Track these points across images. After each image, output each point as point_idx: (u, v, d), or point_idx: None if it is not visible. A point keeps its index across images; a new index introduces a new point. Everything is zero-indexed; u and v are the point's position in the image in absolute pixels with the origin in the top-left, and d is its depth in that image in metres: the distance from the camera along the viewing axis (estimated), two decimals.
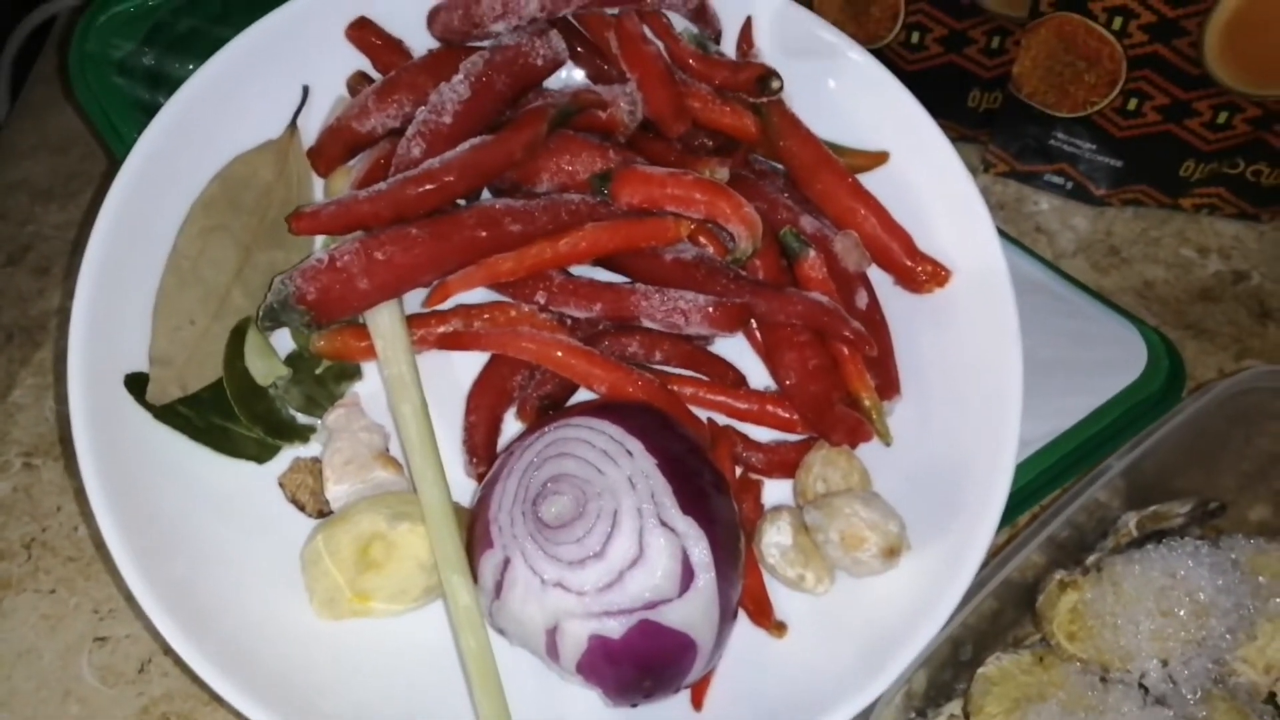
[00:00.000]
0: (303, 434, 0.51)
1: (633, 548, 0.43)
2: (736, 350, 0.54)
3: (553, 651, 0.44)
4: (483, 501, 0.47)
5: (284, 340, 0.53)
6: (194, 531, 0.47)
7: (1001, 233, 0.53)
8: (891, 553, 0.47)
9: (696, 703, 0.47)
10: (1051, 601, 0.52)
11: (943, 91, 0.70)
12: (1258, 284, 0.70)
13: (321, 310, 0.48)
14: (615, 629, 0.43)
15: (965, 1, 0.67)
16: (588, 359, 0.50)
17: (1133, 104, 0.66)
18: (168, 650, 0.58)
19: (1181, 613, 0.49)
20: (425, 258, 0.48)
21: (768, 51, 0.56)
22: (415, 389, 0.48)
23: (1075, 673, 0.50)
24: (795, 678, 0.48)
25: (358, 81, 0.55)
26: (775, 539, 0.49)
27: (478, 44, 0.54)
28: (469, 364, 0.53)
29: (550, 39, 0.53)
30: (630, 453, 0.45)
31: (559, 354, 0.50)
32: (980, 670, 0.51)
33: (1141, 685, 0.49)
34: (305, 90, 0.54)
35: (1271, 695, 0.51)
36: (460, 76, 0.51)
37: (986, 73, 0.71)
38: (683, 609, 0.43)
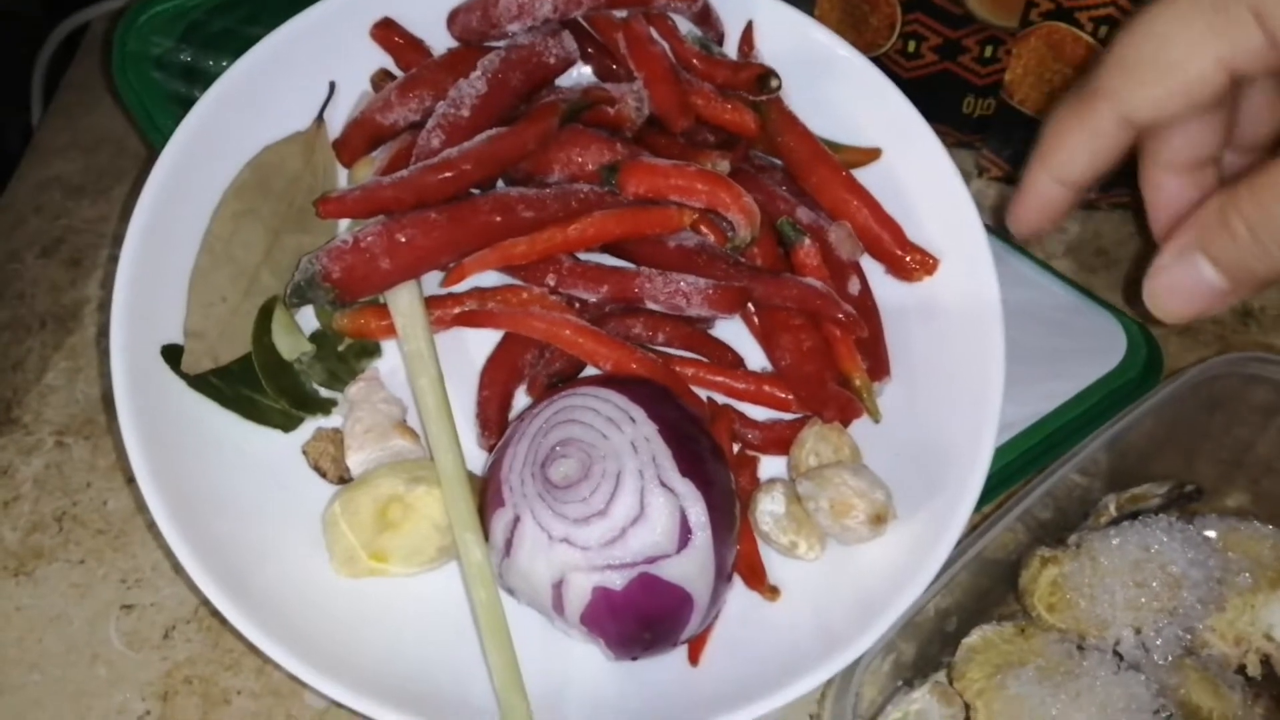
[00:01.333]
0: (325, 406, 0.54)
1: (634, 506, 0.46)
2: (734, 334, 0.57)
3: (558, 605, 0.47)
4: (495, 465, 0.50)
5: (308, 319, 0.56)
6: (226, 494, 0.50)
7: (992, 231, 0.56)
8: (878, 520, 0.49)
9: (693, 658, 0.50)
10: (1033, 576, 0.55)
11: (938, 98, 0.73)
12: None
13: (345, 288, 0.51)
14: (617, 581, 0.46)
15: (959, 11, 0.70)
16: (594, 338, 0.53)
17: None
18: (190, 618, 0.62)
19: (1154, 584, 0.51)
20: (444, 240, 0.51)
21: (767, 54, 0.59)
22: (433, 363, 0.51)
23: (1054, 641, 0.52)
24: (786, 637, 0.50)
25: (381, 78, 0.58)
26: (769, 507, 0.52)
27: (494, 44, 0.57)
28: (482, 344, 0.55)
29: (562, 39, 0.56)
30: (633, 419, 0.48)
31: (567, 332, 0.53)
32: (964, 640, 0.54)
33: (1116, 652, 0.51)
34: (332, 86, 0.57)
35: (1241, 666, 0.53)
36: (478, 73, 0.54)
37: (980, 80, 0.74)
38: (680, 564, 0.46)
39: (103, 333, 0.73)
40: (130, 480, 0.66)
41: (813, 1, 0.74)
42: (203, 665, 0.60)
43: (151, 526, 0.65)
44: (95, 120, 0.84)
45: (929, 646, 0.56)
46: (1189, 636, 0.51)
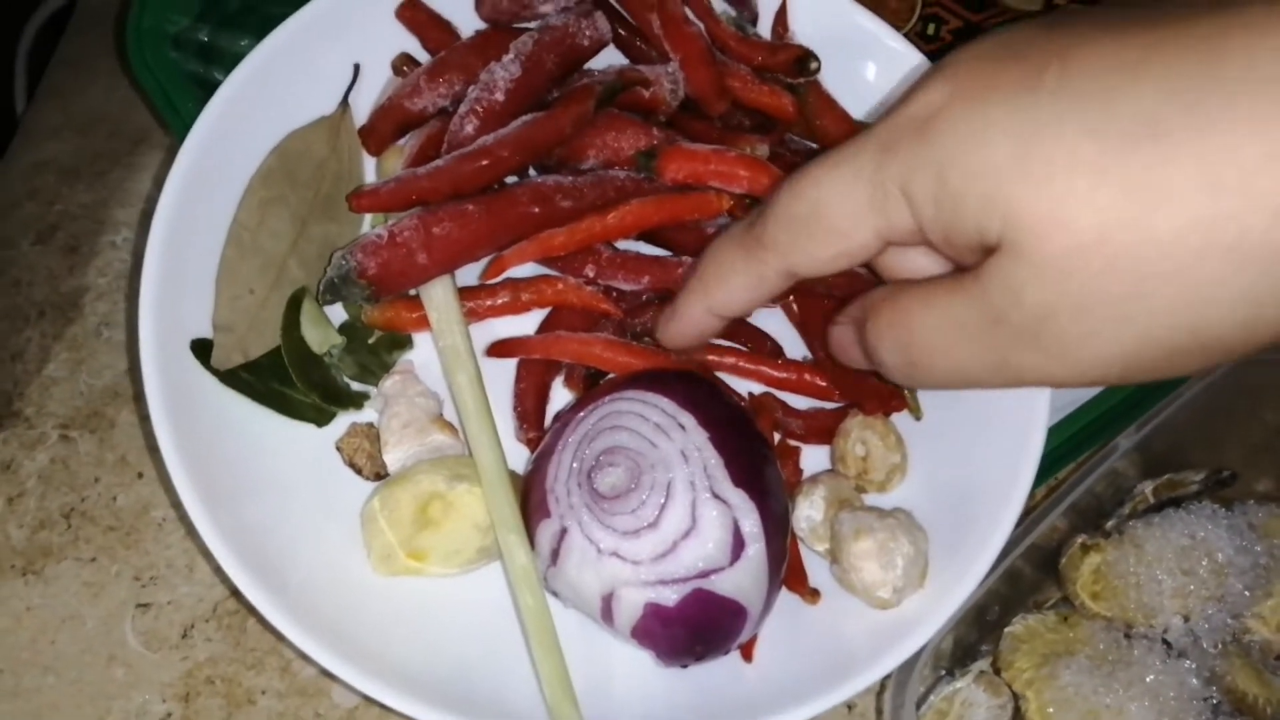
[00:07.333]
0: (357, 400, 0.53)
1: (686, 519, 0.44)
2: (771, 322, 0.56)
3: (608, 616, 0.46)
4: (538, 472, 0.48)
5: (337, 311, 0.54)
6: (260, 489, 0.48)
7: None
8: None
9: (746, 655, 0.49)
10: (1074, 564, 0.55)
11: None
12: None
13: (382, 284, 0.49)
14: (670, 597, 0.44)
15: None
16: (627, 351, 0.51)
17: None
18: (209, 617, 0.60)
19: (1202, 571, 0.51)
20: (481, 233, 0.49)
21: (800, 34, 0.58)
22: (469, 358, 0.50)
23: (1100, 630, 0.52)
24: (838, 632, 0.49)
25: (403, 62, 0.56)
26: (807, 512, 0.51)
27: (524, 25, 0.55)
28: (516, 333, 0.54)
29: (595, 20, 0.54)
30: (683, 426, 0.46)
31: (597, 350, 0.52)
32: (1008, 629, 0.54)
33: (1164, 641, 0.51)
34: (356, 68, 0.55)
35: None
36: (511, 56, 0.52)
37: None
38: (734, 577, 0.45)
39: (105, 323, 0.70)
40: (140, 475, 0.65)
41: None
42: (225, 665, 0.58)
43: (164, 523, 0.63)
44: (89, 100, 0.81)
45: (966, 635, 0.55)
46: (1236, 623, 0.51)
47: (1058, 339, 0.32)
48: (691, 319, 0.46)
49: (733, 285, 0.43)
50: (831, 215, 0.38)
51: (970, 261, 0.34)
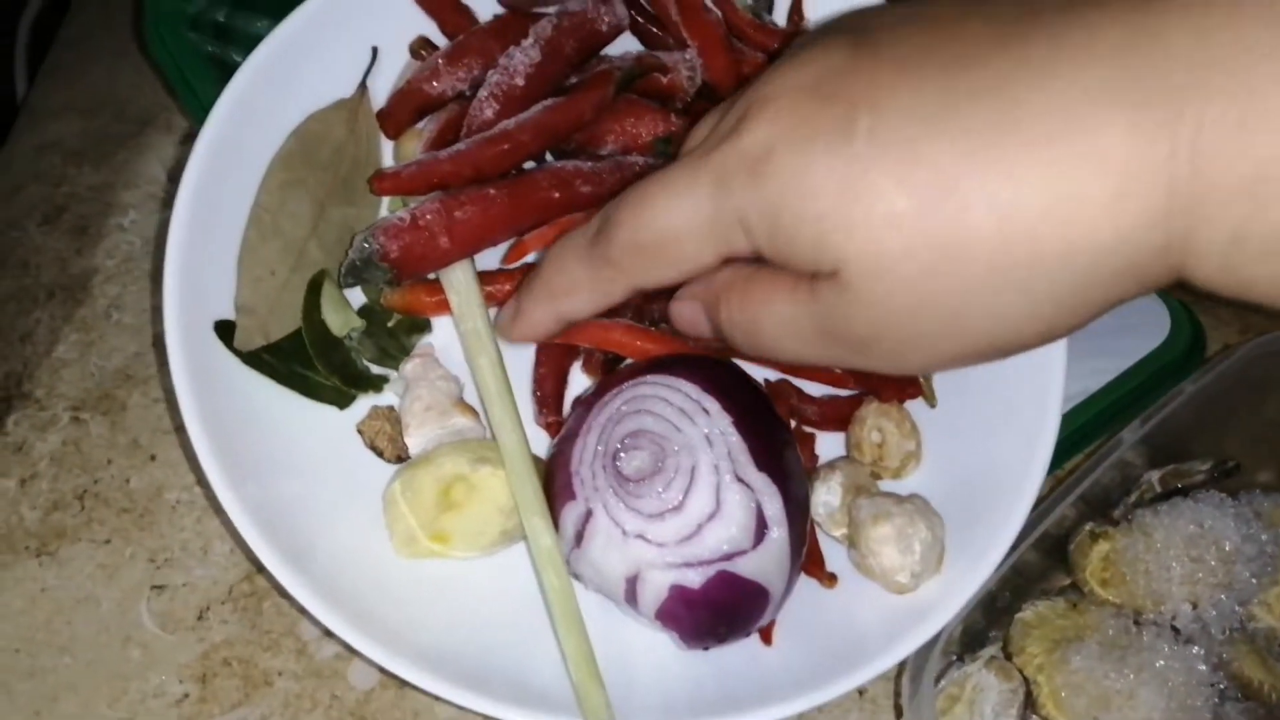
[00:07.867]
0: (377, 384, 0.53)
1: (710, 502, 0.45)
2: None
3: (632, 598, 0.46)
4: (562, 456, 0.48)
5: (355, 294, 0.54)
6: (284, 470, 0.49)
7: None
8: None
9: (766, 639, 0.49)
10: (1083, 551, 0.55)
11: None
12: None
13: (403, 267, 0.49)
14: (694, 579, 0.45)
15: None
16: (646, 336, 0.52)
17: None
18: (225, 599, 0.60)
19: (1210, 559, 0.52)
20: (503, 217, 0.50)
21: (816, 22, 0.58)
22: (491, 342, 0.50)
23: (1109, 616, 0.53)
24: (847, 623, 0.50)
25: (421, 45, 0.56)
26: (825, 498, 0.52)
27: (542, 10, 0.55)
28: None
29: (614, 5, 0.54)
30: (707, 411, 0.46)
31: (617, 335, 0.52)
32: (1018, 615, 0.54)
33: (1173, 627, 0.52)
34: (374, 51, 0.55)
35: None
36: (530, 41, 0.52)
37: None
38: (757, 560, 0.45)
39: (115, 305, 0.70)
40: (153, 458, 0.65)
41: None
42: (241, 647, 0.59)
43: (178, 506, 0.63)
44: (93, 81, 0.81)
45: (976, 622, 0.56)
46: (1242, 611, 0.52)
47: (883, 353, 0.38)
48: (536, 322, 0.48)
49: (578, 298, 0.46)
50: (674, 244, 0.41)
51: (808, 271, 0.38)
